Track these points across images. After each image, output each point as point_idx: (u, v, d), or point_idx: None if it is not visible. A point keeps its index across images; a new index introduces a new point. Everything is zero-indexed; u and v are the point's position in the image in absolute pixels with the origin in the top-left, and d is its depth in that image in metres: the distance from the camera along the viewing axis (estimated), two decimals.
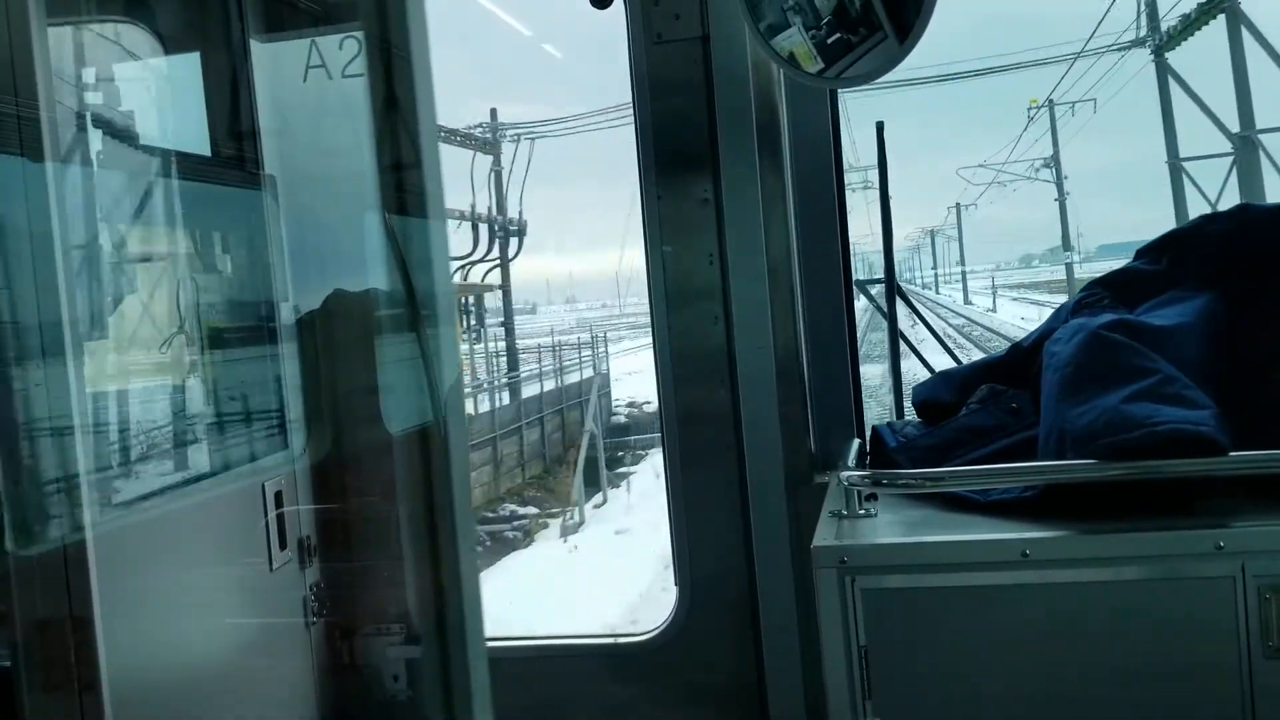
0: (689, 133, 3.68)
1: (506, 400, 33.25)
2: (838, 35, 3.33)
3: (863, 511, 2.78)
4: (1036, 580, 2.46)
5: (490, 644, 3.84)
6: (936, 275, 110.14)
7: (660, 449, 3.78)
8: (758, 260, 3.53)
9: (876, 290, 4.30)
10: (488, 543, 22.83)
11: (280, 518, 3.57)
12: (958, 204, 76.42)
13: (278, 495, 3.56)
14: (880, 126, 3.75)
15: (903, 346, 3.92)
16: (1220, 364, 2.69)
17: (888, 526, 2.73)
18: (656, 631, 3.70)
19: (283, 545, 3.58)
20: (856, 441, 3.28)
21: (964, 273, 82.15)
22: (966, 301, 66.23)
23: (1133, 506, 2.54)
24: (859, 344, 3.70)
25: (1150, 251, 3.06)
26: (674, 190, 3.72)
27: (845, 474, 2.78)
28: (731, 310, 3.56)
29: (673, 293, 3.73)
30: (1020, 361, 3.14)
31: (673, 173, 3.73)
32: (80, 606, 2.60)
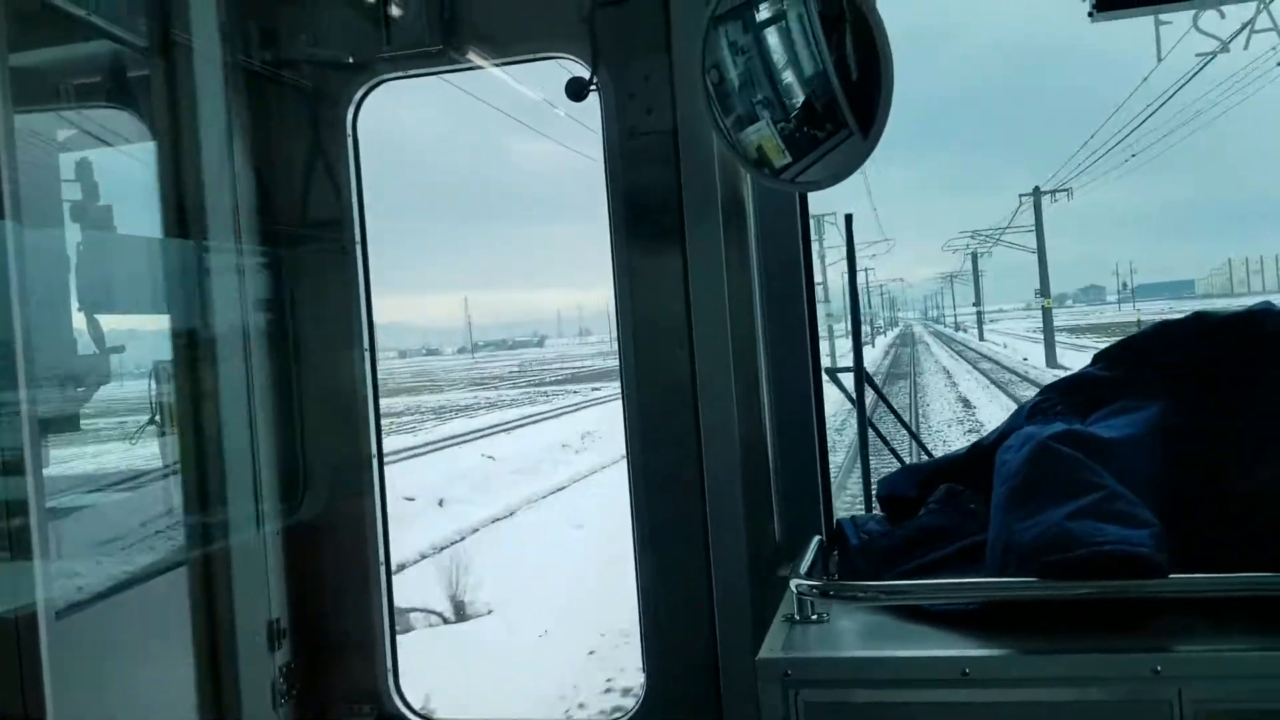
0: (660, 218, 3.74)
1: None
2: (805, 130, 3.36)
3: (815, 617, 2.78)
4: (976, 699, 2.45)
5: None
6: (980, 313, 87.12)
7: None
8: (722, 349, 3.57)
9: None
10: None
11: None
12: (1035, 189, 52.16)
13: None
14: (849, 219, 3.79)
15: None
16: (1167, 478, 2.69)
17: (836, 636, 2.73)
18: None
19: None
20: (817, 539, 3.28)
21: (1047, 311, 49.04)
22: (1054, 363, 42.05)
23: (1076, 623, 2.53)
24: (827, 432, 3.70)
25: (1106, 357, 3.08)
26: (646, 274, 3.78)
27: (795, 581, 2.79)
28: (698, 398, 3.60)
29: (645, 377, 3.78)
30: (980, 461, 3.14)
31: (645, 255, 3.79)
32: (34, 706, 2.64)
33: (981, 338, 77.75)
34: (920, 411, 32.45)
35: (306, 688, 3.95)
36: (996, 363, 47.63)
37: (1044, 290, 51.58)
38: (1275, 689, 2.29)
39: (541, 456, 28.28)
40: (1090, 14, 3.01)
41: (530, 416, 39.45)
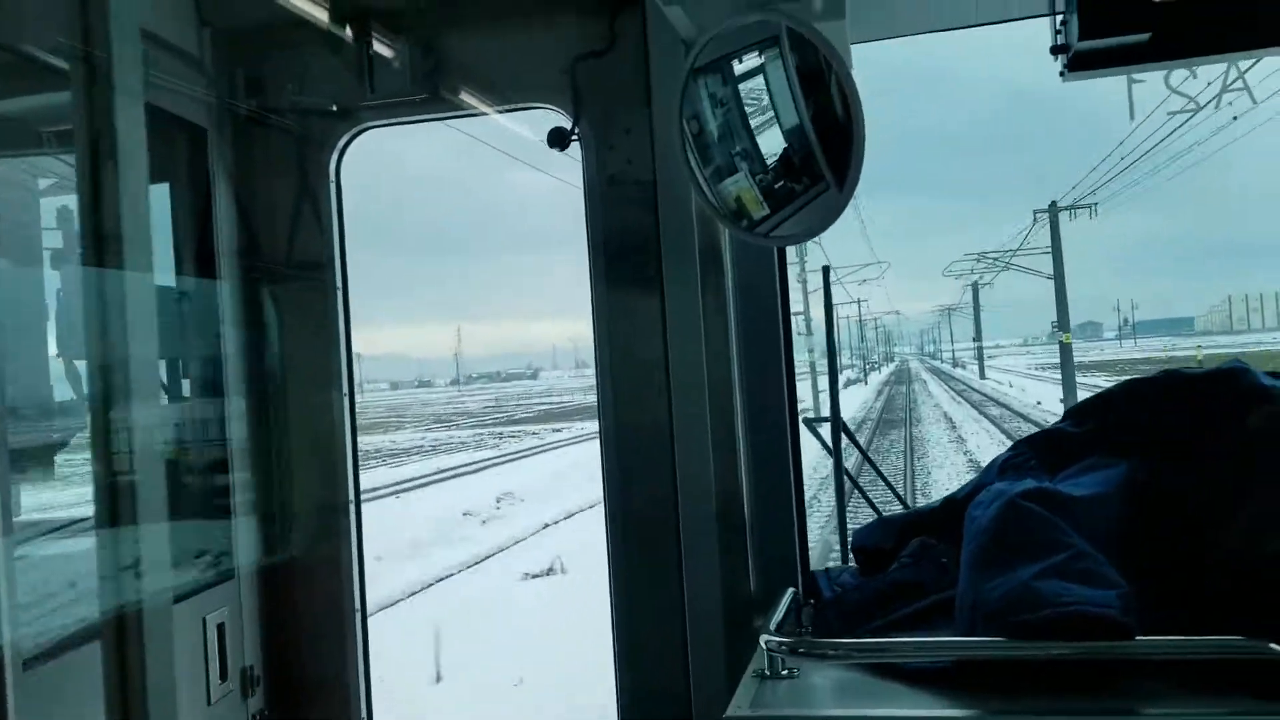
0: (639, 264, 3.77)
1: None
2: (783, 182, 3.38)
3: (785, 672, 2.78)
4: None
5: None
6: (980, 349, 79.38)
7: None
8: (699, 396, 3.58)
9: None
10: None
11: (222, 648, 3.61)
12: (1052, 204, 40.62)
13: (220, 627, 3.61)
14: (826, 271, 3.81)
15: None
16: (1135, 537, 2.69)
17: (806, 693, 2.72)
18: None
19: (223, 677, 3.61)
20: (791, 591, 3.28)
21: (1067, 347, 39.83)
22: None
23: (1045, 684, 2.53)
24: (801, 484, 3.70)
25: (1078, 414, 3.09)
26: (624, 320, 3.81)
27: (765, 637, 2.78)
28: (675, 447, 3.60)
29: (623, 422, 3.79)
30: (954, 514, 3.14)
31: (623, 301, 3.82)
32: None
33: (983, 375, 72.08)
34: (918, 482, 26.03)
35: None
36: (1006, 407, 41.74)
37: (1062, 323, 41.50)
38: None
39: (425, 534, 22.70)
40: (1062, 74, 3.04)
41: (454, 469, 33.99)
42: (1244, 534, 2.59)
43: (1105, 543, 2.63)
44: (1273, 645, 2.30)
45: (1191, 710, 2.38)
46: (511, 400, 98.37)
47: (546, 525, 23.25)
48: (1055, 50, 3.03)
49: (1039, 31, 3.24)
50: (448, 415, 75.87)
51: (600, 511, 3.82)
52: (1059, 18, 2.99)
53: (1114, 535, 2.67)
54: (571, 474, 28.18)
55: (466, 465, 35.08)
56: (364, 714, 4.04)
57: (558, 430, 47.30)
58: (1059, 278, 40.79)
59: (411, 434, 55.70)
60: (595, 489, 3.88)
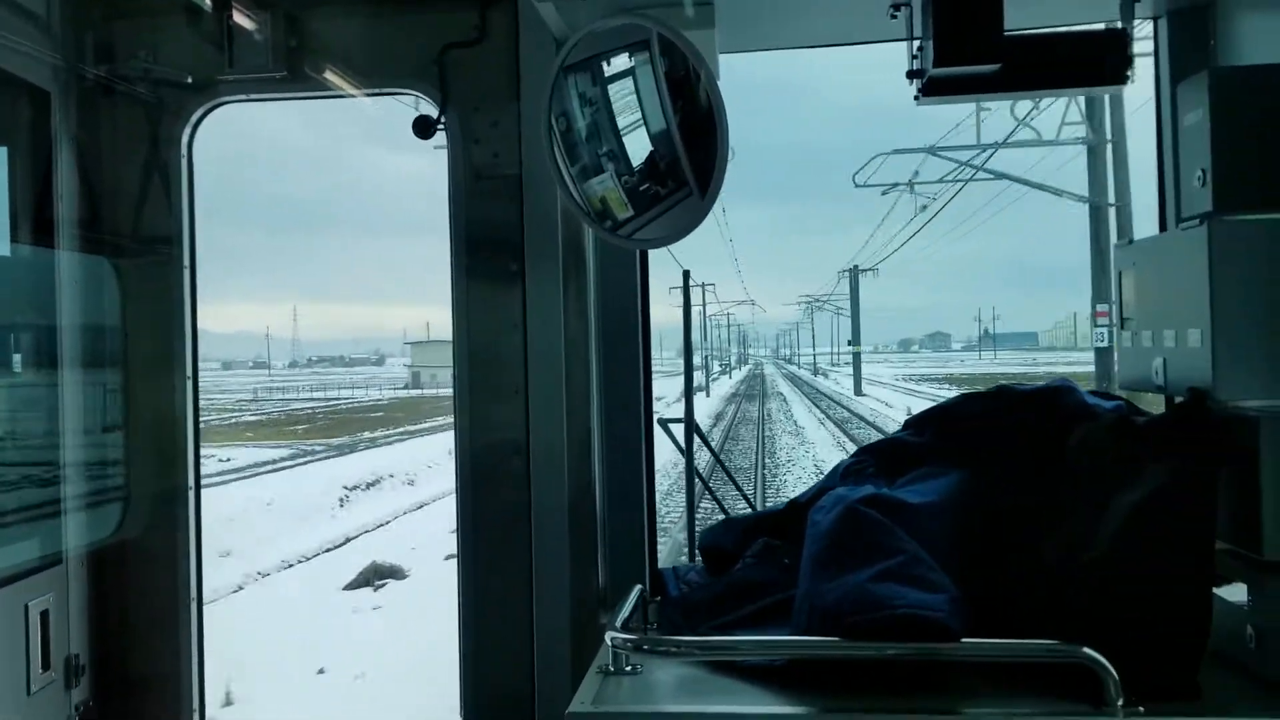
0: (502, 261, 3.75)
1: None
2: (648, 185, 3.41)
3: (629, 669, 2.82)
4: None
5: None
6: (857, 355, 65.14)
7: None
8: (557, 394, 3.59)
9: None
10: None
11: (45, 636, 3.45)
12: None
13: (44, 614, 3.45)
14: (686, 275, 3.87)
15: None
16: (966, 544, 2.81)
17: (649, 689, 2.77)
18: None
19: (45, 666, 3.45)
20: (638, 588, 3.31)
21: (1104, 352, 22.75)
22: None
23: (877, 683, 2.63)
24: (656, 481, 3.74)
25: (916, 423, 3.22)
26: (485, 317, 3.78)
27: (610, 634, 2.81)
28: (530, 444, 3.61)
29: (478, 417, 3.77)
30: (796, 517, 3.23)
31: (485, 298, 3.79)
32: None
33: (859, 390, 57.77)
34: None
35: None
36: None
37: (1101, 294, 23.34)
38: None
39: None
40: (916, 97, 3.16)
41: None
42: (1063, 544, 2.74)
43: (938, 548, 2.75)
44: (1085, 650, 2.44)
45: (1010, 710, 2.51)
46: (291, 392, 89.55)
47: None
48: (911, 74, 3.14)
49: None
50: None
51: None
52: (916, 43, 3.11)
53: (947, 541, 2.79)
54: None
55: None
56: (195, 706, 3.92)
57: (225, 461, 33.40)
58: (1114, 197, 21.64)
59: None
60: None
